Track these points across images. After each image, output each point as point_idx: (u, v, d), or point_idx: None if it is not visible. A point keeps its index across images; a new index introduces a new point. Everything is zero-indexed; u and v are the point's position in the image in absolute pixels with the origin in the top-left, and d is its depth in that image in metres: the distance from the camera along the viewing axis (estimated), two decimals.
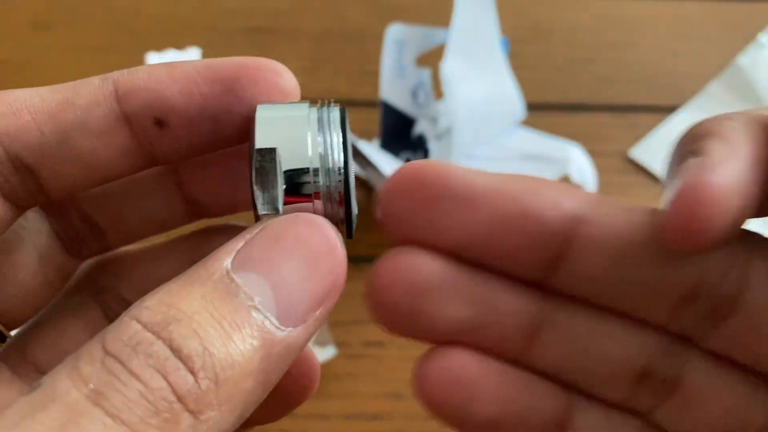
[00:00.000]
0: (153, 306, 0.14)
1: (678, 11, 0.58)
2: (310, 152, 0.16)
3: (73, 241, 0.21)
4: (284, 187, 0.16)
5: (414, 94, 0.46)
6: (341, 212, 0.16)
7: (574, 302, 0.17)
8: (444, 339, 0.17)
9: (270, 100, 0.17)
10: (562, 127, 0.49)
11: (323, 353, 0.38)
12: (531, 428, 0.17)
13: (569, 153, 0.45)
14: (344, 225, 0.17)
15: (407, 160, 0.45)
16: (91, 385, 0.13)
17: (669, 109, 0.50)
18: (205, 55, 0.50)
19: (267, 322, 0.14)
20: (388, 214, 0.16)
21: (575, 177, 0.43)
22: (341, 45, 0.54)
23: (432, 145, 0.46)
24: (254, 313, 0.14)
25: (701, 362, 0.17)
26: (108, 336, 0.13)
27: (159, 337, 0.13)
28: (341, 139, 0.16)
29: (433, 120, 0.46)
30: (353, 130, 0.42)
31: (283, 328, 0.14)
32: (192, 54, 0.50)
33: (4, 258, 0.19)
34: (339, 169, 0.16)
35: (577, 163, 0.44)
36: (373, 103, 0.47)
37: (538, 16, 0.57)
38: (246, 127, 0.18)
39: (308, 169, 0.16)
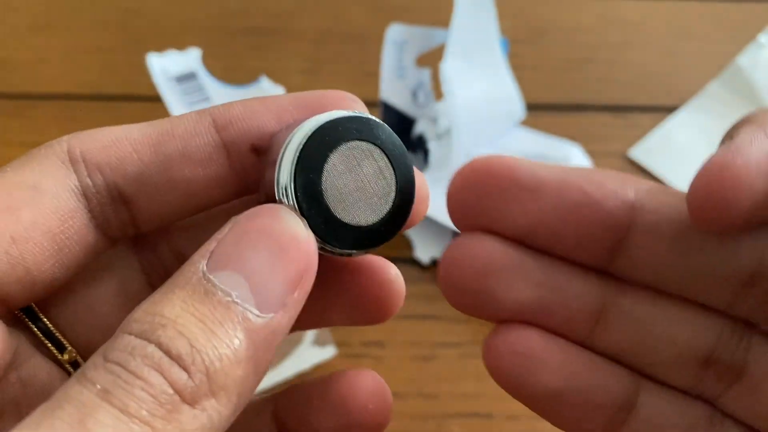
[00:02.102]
0: (139, 317, 0.15)
1: (678, 11, 0.58)
2: (276, 172, 0.17)
3: (161, 278, 0.21)
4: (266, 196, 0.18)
5: (414, 95, 0.47)
6: (304, 217, 0.17)
7: (637, 288, 0.18)
8: (511, 318, 0.18)
9: None
10: (561, 127, 0.49)
11: (323, 353, 0.38)
12: (595, 406, 0.18)
13: (569, 153, 0.45)
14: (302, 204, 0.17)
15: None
16: (98, 386, 0.14)
17: (669, 109, 0.50)
18: (205, 56, 0.50)
19: (247, 313, 0.15)
20: (456, 205, 0.18)
21: None
22: (341, 45, 0.54)
23: (432, 145, 0.46)
24: (233, 307, 0.15)
25: (766, 348, 0.17)
26: (106, 349, 0.14)
27: (150, 341, 0.14)
28: (294, 157, 0.17)
29: (433, 120, 0.47)
30: None
31: (263, 315, 0.15)
32: (192, 54, 0.50)
33: (90, 292, 0.20)
34: (285, 190, 0.17)
35: (577, 163, 0.44)
36: (373, 103, 0.47)
37: (538, 16, 0.57)
38: None
39: (277, 187, 0.17)
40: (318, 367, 0.38)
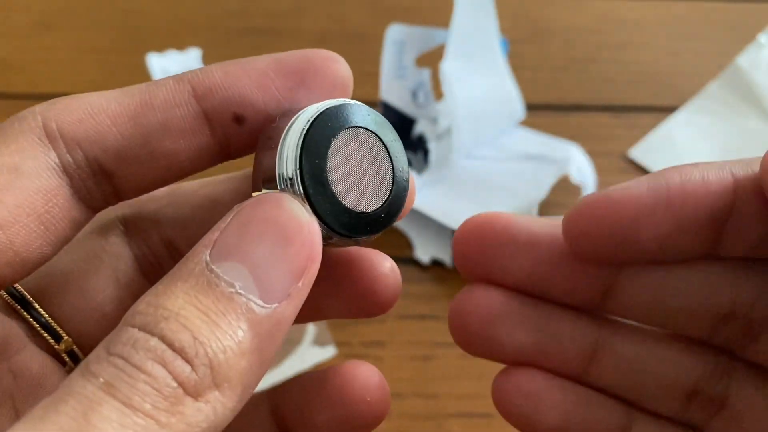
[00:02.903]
0: (142, 310, 0.15)
1: (678, 11, 0.58)
2: (277, 161, 0.17)
3: (153, 267, 0.21)
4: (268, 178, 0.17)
5: (414, 95, 0.47)
6: (312, 204, 0.17)
7: (626, 327, 0.20)
8: (514, 360, 0.20)
9: (335, 92, 0.19)
10: (561, 127, 0.49)
11: (323, 353, 0.38)
12: None
13: (569, 153, 0.45)
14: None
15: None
16: (101, 380, 0.13)
17: (669, 109, 0.50)
18: (205, 56, 0.50)
19: (251, 304, 0.15)
20: (460, 257, 0.20)
21: (575, 177, 0.43)
22: (341, 45, 0.54)
23: (432, 146, 0.46)
24: (237, 298, 0.15)
25: (747, 380, 0.19)
26: (109, 341, 0.14)
27: (152, 334, 0.14)
28: (298, 144, 0.17)
29: (433, 120, 0.47)
30: None
31: (267, 305, 0.15)
32: (192, 54, 0.50)
33: (85, 281, 0.20)
34: (290, 178, 0.17)
35: (577, 164, 0.44)
36: (373, 103, 0.47)
37: (538, 16, 0.57)
38: None
39: (279, 175, 0.17)
40: (318, 367, 0.38)
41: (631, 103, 0.51)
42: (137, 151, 0.18)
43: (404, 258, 0.42)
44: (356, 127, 0.18)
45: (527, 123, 0.48)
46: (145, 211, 0.21)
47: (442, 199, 0.43)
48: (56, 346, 0.19)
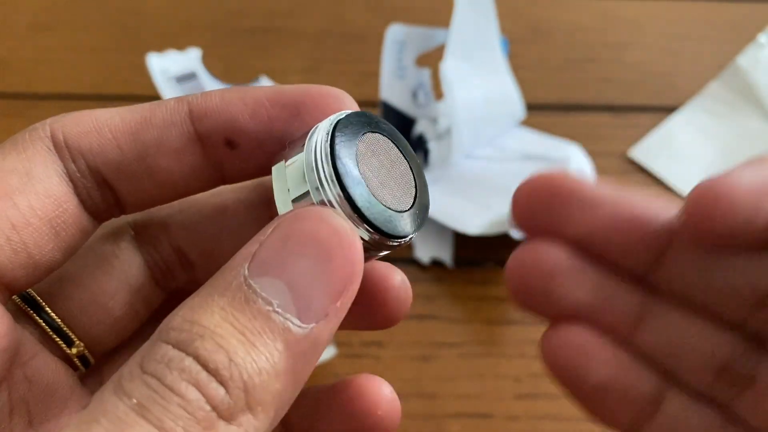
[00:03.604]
0: (177, 325, 0.14)
1: (678, 11, 0.58)
2: (306, 172, 0.17)
3: (163, 273, 0.21)
4: (297, 194, 0.17)
5: (414, 95, 0.47)
6: (349, 211, 0.17)
7: (671, 298, 0.20)
8: (567, 317, 0.19)
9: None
10: (561, 127, 0.49)
11: (323, 353, 0.38)
12: (631, 401, 0.19)
13: (569, 153, 0.45)
14: (363, 223, 0.17)
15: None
16: (134, 400, 0.13)
17: (669, 109, 0.50)
18: (205, 56, 0.50)
19: (288, 323, 0.15)
20: (522, 212, 0.19)
21: None
22: (341, 45, 0.54)
23: (432, 146, 0.46)
24: (274, 317, 0.14)
25: None
26: (143, 357, 0.14)
27: (187, 353, 0.14)
28: (327, 154, 0.17)
29: (433, 120, 0.47)
30: None
31: (304, 325, 0.15)
32: (192, 54, 0.50)
33: (96, 285, 0.20)
34: (328, 189, 0.17)
35: (577, 163, 0.44)
36: (373, 103, 0.47)
37: (538, 16, 0.57)
38: None
39: (314, 184, 0.17)
40: (318, 367, 0.38)
41: (631, 103, 0.51)
42: (134, 165, 0.18)
43: (404, 258, 0.42)
44: (371, 132, 0.18)
45: (527, 123, 0.48)
46: (155, 218, 0.21)
47: (442, 198, 0.43)
48: (68, 351, 0.19)
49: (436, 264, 0.42)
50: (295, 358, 0.15)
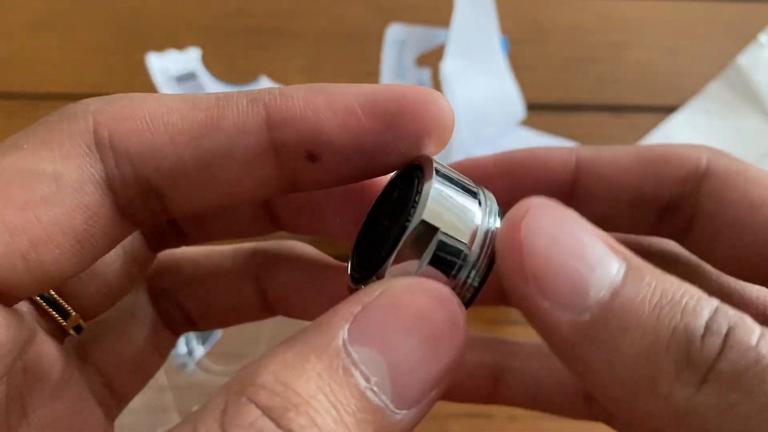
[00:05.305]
0: (269, 385, 0.13)
1: (678, 11, 0.58)
2: (468, 240, 0.15)
3: (157, 240, 0.20)
4: (428, 260, 0.15)
5: None
6: (471, 292, 0.16)
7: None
8: None
9: (430, 139, 0.17)
10: (562, 127, 0.49)
11: None
12: None
13: None
14: (470, 296, 0.16)
15: None
16: None
17: (669, 109, 0.50)
18: (205, 56, 0.50)
19: (382, 407, 0.13)
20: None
21: None
22: (341, 45, 0.54)
23: None
24: (370, 395, 0.13)
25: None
26: (226, 419, 0.13)
27: (279, 426, 0.13)
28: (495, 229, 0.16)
29: None
30: None
31: (398, 411, 0.14)
32: (192, 54, 0.49)
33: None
34: (489, 257, 0.15)
35: None
36: None
37: (538, 16, 0.57)
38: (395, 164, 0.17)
39: (463, 253, 0.15)
40: None
41: (631, 102, 0.51)
42: (194, 175, 0.16)
43: None
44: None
45: (527, 123, 0.48)
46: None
47: None
48: (63, 323, 0.18)
49: None
50: None
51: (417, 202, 0.15)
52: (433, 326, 0.14)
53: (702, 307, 0.13)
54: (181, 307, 0.22)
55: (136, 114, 0.16)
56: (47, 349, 0.18)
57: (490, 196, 0.16)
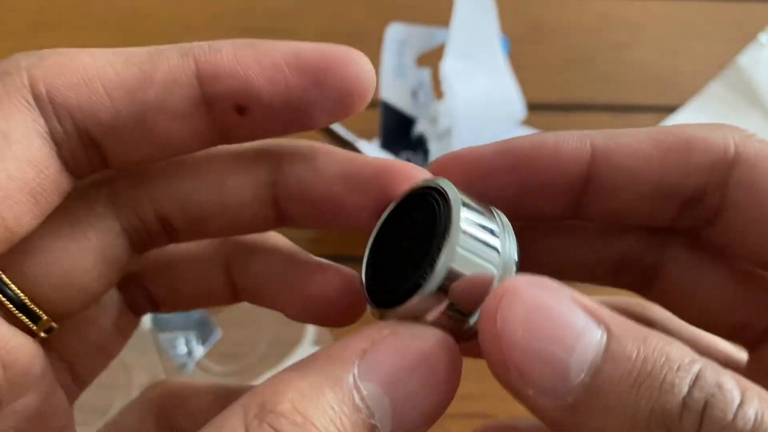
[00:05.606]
0: (289, 414, 0.14)
1: (678, 11, 0.58)
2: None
3: (142, 239, 0.20)
4: (446, 304, 0.16)
5: (414, 94, 0.46)
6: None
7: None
8: None
9: (351, 98, 0.18)
10: (562, 127, 0.48)
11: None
12: None
13: None
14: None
15: (407, 160, 0.45)
16: None
17: (669, 109, 0.50)
18: None
19: None
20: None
21: None
22: (341, 45, 0.54)
23: (432, 146, 0.46)
24: (373, 430, 0.14)
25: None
26: None
27: None
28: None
29: (433, 120, 0.46)
30: (354, 131, 0.42)
31: None
32: None
33: (69, 261, 0.18)
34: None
35: None
36: (373, 103, 0.47)
37: (538, 16, 0.57)
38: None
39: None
40: None
41: (631, 102, 0.51)
42: (130, 126, 0.16)
43: None
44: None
45: (528, 122, 0.48)
46: (137, 180, 0.19)
47: None
48: (33, 328, 0.18)
49: None
50: None
51: (445, 240, 0.16)
52: (436, 371, 0.15)
53: (681, 379, 0.14)
54: (147, 291, 0.21)
55: (72, 68, 0.16)
56: (26, 347, 0.17)
57: (507, 224, 0.17)
